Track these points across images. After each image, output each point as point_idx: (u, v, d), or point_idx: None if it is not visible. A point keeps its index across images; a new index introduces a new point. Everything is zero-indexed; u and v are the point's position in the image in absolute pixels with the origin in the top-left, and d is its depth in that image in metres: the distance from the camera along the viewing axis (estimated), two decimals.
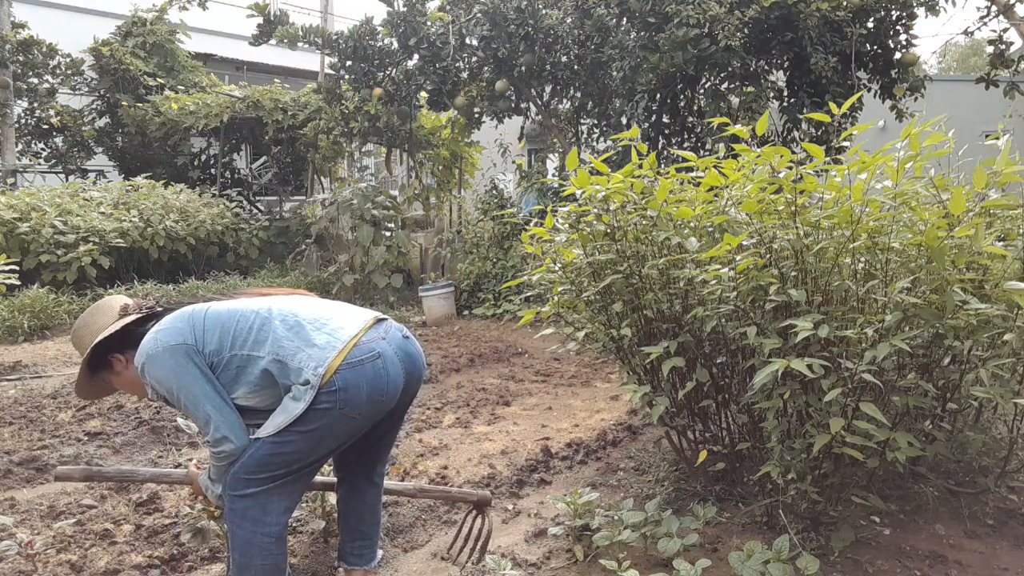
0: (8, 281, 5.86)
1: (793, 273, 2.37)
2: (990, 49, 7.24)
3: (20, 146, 11.72)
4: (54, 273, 7.73)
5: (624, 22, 7.16)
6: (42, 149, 12.10)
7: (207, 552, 2.62)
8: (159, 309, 2.13)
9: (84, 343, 2.06)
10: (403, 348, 2.11)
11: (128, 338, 2.05)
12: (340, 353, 1.94)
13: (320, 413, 1.91)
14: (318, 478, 2.38)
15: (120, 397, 4.66)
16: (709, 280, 2.50)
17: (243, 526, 1.96)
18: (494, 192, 9.52)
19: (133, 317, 2.08)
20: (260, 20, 8.58)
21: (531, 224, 3.45)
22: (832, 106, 2.32)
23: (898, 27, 6.33)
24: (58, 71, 12.12)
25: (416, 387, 2.21)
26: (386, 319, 2.16)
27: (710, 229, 2.67)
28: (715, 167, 2.59)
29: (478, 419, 4.38)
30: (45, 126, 12.01)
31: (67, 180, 11.66)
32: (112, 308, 2.10)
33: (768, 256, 2.39)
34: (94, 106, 12.65)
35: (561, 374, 5.49)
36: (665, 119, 7.21)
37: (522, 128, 9.54)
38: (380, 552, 2.41)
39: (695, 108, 7.27)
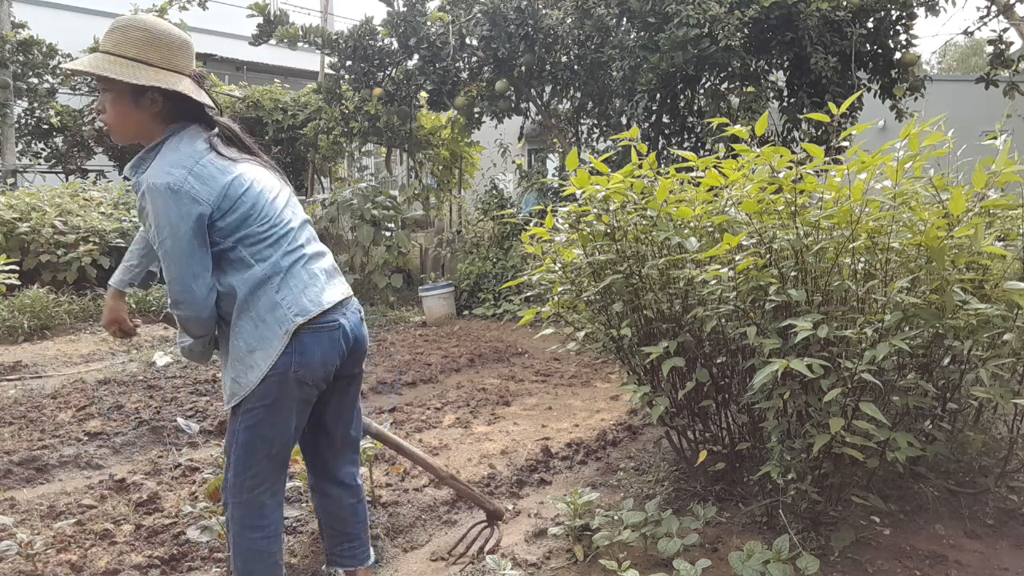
0: (8, 281, 5.87)
1: (793, 273, 2.37)
2: (990, 49, 7.25)
3: (20, 146, 11.73)
4: (54, 273, 7.73)
5: (624, 22, 7.16)
6: (42, 149, 12.11)
7: (207, 552, 2.62)
8: (222, 132, 1.94)
9: (151, 53, 1.81)
10: (356, 328, 2.05)
11: (178, 107, 1.88)
12: (316, 314, 1.90)
13: (274, 381, 1.87)
14: None
15: (120, 398, 4.66)
16: (709, 280, 2.50)
17: (244, 535, 1.97)
18: (494, 192, 9.52)
19: (206, 105, 1.91)
20: (260, 20, 8.58)
21: (531, 224, 3.45)
22: (831, 106, 2.32)
23: (898, 27, 6.33)
24: (58, 71, 12.12)
25: (351, 372, 2.12)
26: (351, 296, 2.10)
27: (710, 229, 2.67)
28: (715, 167, 2.59)
29: (478, 419, 4.38)
30: (45, 126, 12.02)
31: (67, 180, 11.67)
32: (189, 53, 1.90)
33: (768, 256, 2.39)
34: (94, 106, 12.64)
35: (561, 374, 5.49)
36: (665, 119, 7.21)
37: (522, 128, 9.54)
38: (372, 552, 2.36)
39: (695, 108, 7.27)
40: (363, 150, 12.38)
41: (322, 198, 9.68)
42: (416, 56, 8.45)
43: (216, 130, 1.94)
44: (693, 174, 2.82)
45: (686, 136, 7.33)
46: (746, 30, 5.91)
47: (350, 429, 2.22)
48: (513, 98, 8.52)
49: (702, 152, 7.03)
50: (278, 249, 1.91)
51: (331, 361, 1.97)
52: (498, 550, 2.57)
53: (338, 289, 2.03)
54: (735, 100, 6.49)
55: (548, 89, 8.66)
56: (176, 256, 1.78)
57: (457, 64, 8.45)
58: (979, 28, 7.61)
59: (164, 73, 1.83)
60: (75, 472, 3.50)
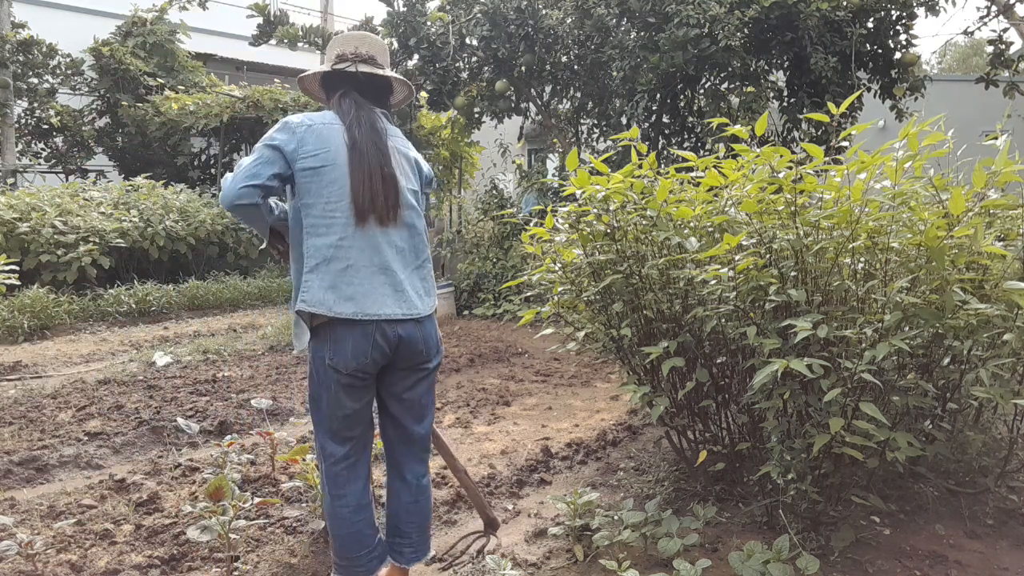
0: (8, 281, 5.87)
1: (793, 273, 2.37)
2: (990, 49, 7.24)
3: (20, 146, 11.72)
4: (54, 273, 7.73)
5: (624, 22, 7.16)
6: (42, 149, 12.10)
7: (207, 552, 2.62)
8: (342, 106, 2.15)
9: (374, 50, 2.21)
10: (401, 328, 2.11)
11: (327, 80, 2.22)
12: (341, 314, 2.02)
13: (314, 363, 2.09)
14: None
15: (120, 398, 4.66)
16: (709, 280, 2.50)
17: (328, 500, 2.16)
18: (494, 192, 9.52)
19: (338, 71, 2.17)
20: (260, 20, 8.58)
21: (531, 224, 3.45)
22: (831, 106, 2.32)
23: (898, 27, 6.33)
24: (58, 71, 12.12)
25: (409, 368, 2.20)
26: (413, 317, 2.14)
27: (710, 229, 2.67)
28: (715, 167, 2.59)
29: (478, 419, 4.38)
30: (45, 126, 12.01)
31: (67, 180, 11.67)
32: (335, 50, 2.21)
33: (768, 256, 2.39)
34: (94, 106, 12.66)
35: (561, 374, 5.49)
36: (665, 119, 7.21)
37: (521, 128, 9.54)
38: (430, 553, 2.38)
39: (695, 108, 7.27)
40: None
41: None
42: (416, 56, 8.45)
43: None
44: (693, 174, 2.82)
45: (686, 136, 7.33)
46: (746, 30, 5.91)
47: (416, 425, 2.29)
48: (513, 98, 8.52)
49: (702, 152, 7.03)
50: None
51: (364, 353, 2.04)
52: (481, 555, 2.61)
53: (379, 303, 2.12)
54: (735, 100, 6.48)
55: (548, 89, 8.66)
56: None
57: (457, 64, 8.45)
58: (979, 28, 7.62)
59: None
60: (75, 472, 3.50)
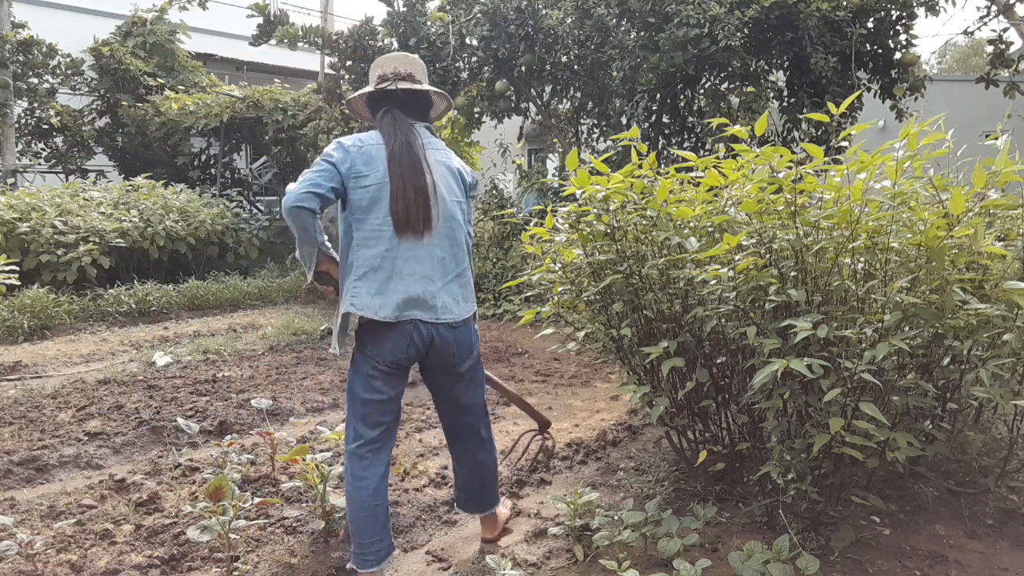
0: (8, 281, 5.87)
1: (793, 273, 2.37)
2: (990, 49, 7.24)
3: (20, 146, 11.72)
4: (54, 273, 7.73)
5: (624, 22, 7.16)
6: (42, 149, 12.09)
7: (207, 552, 2.62)
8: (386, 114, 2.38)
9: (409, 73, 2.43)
10: (438, 331, 2.33)
11: (371, 99, 2.45)
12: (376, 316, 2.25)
13: (352, 350, 2.37)
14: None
15: (120, 398, 4.66)
16: (709, 280, 2.50)
17: (349, 482, 2.32)
18: (494, 192, 9.52)
19: (380, 88, 2.39)
20: (260, 20, 8.57)
21: (531, 224, 3.45)
22: (831, 106, 2.32)
23: (898, 27, 6.33)
24: (58, 71, 12.12)
25: (448, 369, 2.44)
26: (446, 322, 2.35)
27: (710, 229, 2.67)
28: (715, 167, 2.59)
29: None
30: (45, 126, 12.01)
31: (67, 180, 11.67)
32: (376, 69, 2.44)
33: (768, 256, 2.39)
34: (94, 106, 12.65)
35: (561, 374, 5.49)
36: (665, 119, 7.21)
37: (521, 128, 9.54)
38: (494, 510, 2.72)
39: (695, 108, 7.26)
40: None
41: None
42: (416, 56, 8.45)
43: None
44: (693, 174, 2.82)
45: (686, 136, 7.32)
46: (746, 30, 5.91)
47: (463, 418, 2.57)
48: (513, 98, 8.52)
49: (702, 152, 7.02)
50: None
51: (400, 350, 2.28)
52: (554, 456, 3.27)
53: (415, 302, 2.31)
54: (735, 100, 6.48)
55: (548, 89, 8.66)
56: None
57: (457, 64, 8.45)
58: (979, 28, 7.62)
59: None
60: (75, 472, 3.50)
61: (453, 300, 2.35)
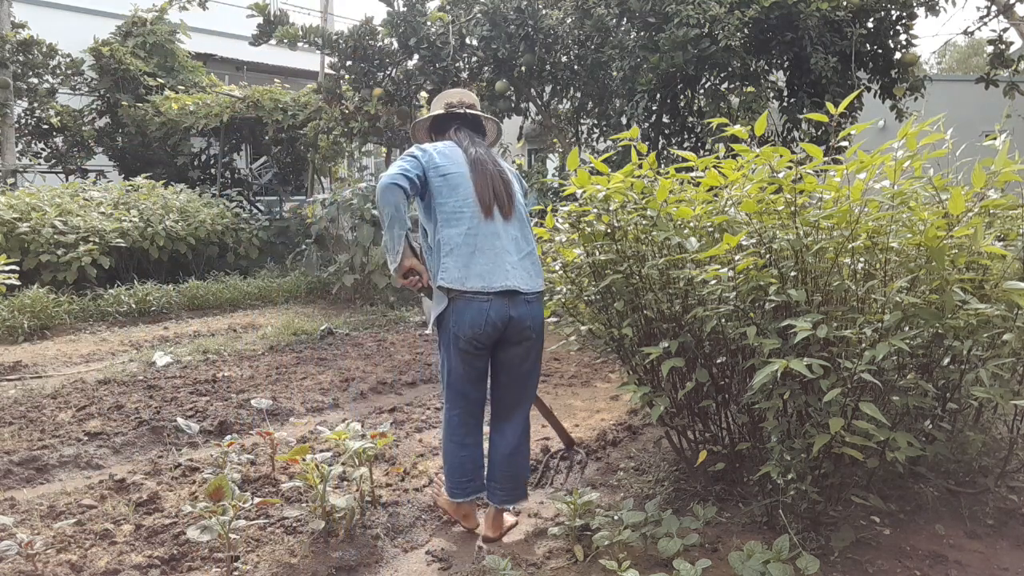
0: (8, 281, 5.86)
1: (793, 273, 2.37)
2: (990, 49, 7.24)
3: (20, 146, 11.72)
4: (54, 273, 7.73)
5: (624, 22, 7.16)
6: (42, 149, 12.09)
7: (207, 552, 2.62)
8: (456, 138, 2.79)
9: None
10: (512, 308, 2.59)
11: (437, 123, 2.91)
12: (462, 290, 2.55)
13: (441, 327, 2.67)
14: None
15: (119, 398, 4.66)
16: (709, 280, 2.50)
17: (444, 439, 2.78)
18: None
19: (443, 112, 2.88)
20: (260, 20, 8.57)
21: (531, 224, 3.44)
22: (831, 106, 2.32)
23: (898, 27, 6.32)
24: (58, 71, 12.12)
25: (515, 342, 2.68)
26: (519, 291, 2.61)
27: (710, 229, 2.67)
28: (715, 167, 2.59)
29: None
30: (45, 126, 12.01)
31: (67, 180, 11.67)
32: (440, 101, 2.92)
33: (768, 256, 2.39)
34: (94, 106, 12.65)
35: (561, 374, 5.49)
36: (665, 119, 7.20)
37: (521, 128, 9.53)
38: (523, 501, 2.87)
39: (695, 108, 7.26)
40: (363, 150, 12.37)
41: (322, 198, 9.68)
42: (416, 56, 8.44)
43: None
44: (693, 174, 2.82)
45: (686, 136, 7.32)
46: (746, 30, 5.90)
47: (521, 391, 2.82)
48: (513, 98, 8.51)
49: (702, 152, 7.02)
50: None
51: (478, 325, 2.56)
52: (583, 473, 3.38)
53: (497, 279, 2.59)
54: (735, 100, 6.47)
55: (548, 89, 8.65)
56: None
57: (457, 64, 8.44)
58: (979, 28, 7.61)
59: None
60: (75, 472, 3.50)
61: (527, 274, 2.64)
